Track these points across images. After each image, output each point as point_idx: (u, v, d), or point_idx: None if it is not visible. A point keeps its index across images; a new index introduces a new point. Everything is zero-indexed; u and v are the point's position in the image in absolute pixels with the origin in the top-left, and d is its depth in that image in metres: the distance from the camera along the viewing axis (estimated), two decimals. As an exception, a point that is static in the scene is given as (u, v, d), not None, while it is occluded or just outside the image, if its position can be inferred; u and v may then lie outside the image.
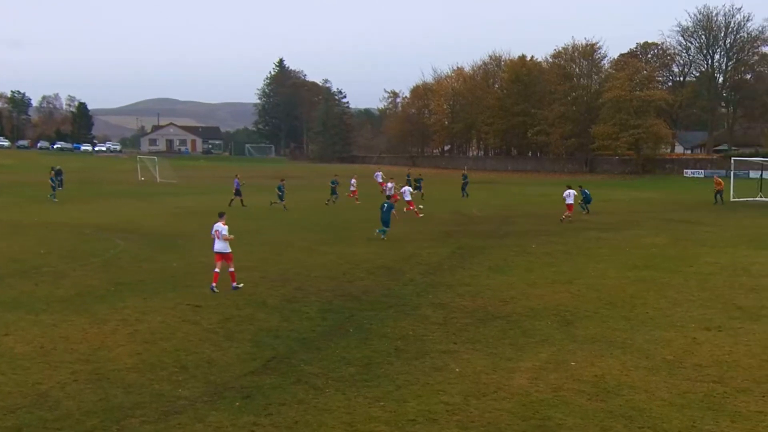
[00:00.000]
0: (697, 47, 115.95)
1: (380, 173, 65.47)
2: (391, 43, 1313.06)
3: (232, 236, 19.84)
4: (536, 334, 15.33)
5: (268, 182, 70.06)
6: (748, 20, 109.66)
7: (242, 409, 11.03)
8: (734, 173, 60.91)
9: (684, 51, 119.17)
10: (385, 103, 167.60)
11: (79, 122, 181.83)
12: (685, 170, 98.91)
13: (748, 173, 76.15)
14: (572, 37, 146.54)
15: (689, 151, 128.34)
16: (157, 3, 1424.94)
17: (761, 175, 64.68)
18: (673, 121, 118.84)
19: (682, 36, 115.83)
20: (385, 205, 31.03)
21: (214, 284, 19.46)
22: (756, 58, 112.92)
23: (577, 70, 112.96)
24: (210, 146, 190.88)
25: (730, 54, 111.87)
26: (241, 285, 19.68)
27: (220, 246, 19.71)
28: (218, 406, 11.17)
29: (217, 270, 19.58)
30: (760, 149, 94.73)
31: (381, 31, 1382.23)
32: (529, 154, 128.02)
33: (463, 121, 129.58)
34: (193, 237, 30.39)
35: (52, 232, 32.08)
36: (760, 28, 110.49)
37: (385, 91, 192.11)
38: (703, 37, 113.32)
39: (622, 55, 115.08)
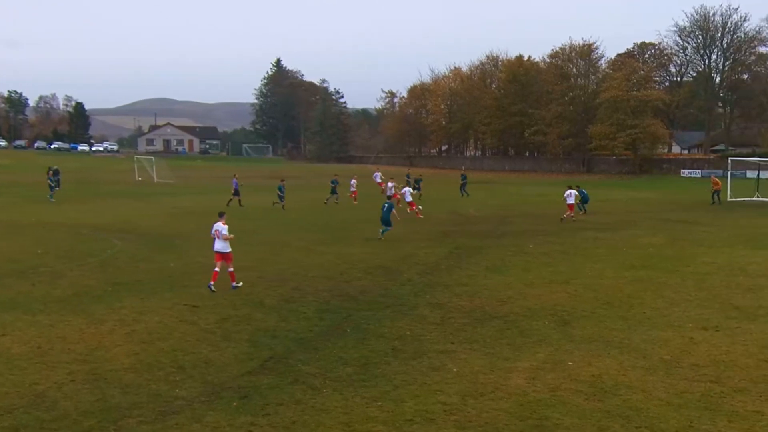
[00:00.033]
0: (694, 47, 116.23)
1: (379, 173, 65.38)
2: (388, 43, 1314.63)
3: (232, 236, 19.85)
4: (533, 334, 15.33)
5: (265, 182, 70.09)
6: (745, 20, 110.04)
7: (239, 409, 11.03)
8: (731, 173, 60.96)
9: (681, 51, 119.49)
10: (383, 103, 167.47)
11: (76, 122, 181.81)
12: (682, 170, 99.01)
13: (745, 173, 76.18)
14: (569, 37, 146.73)
15: (686, 151, 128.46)
16: (155, 3, 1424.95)
17: (758, 175, 64.79)
18: (670, 121, 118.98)
19: (679, 36, 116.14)
20: (386, 205, 31.05)
21: (212, 283, 19.44)
22: (753, 58, 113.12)
23: (575, 70, 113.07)
24: (207, 146, 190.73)
25: (727, 54, 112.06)
26: (240, 284, 19.68)
27: (220, 246, 19.70)
28: (215, 406, 11.16)
29: (217, 269, 19.58)
30: (757, 149, 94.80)
31: (378, 32, 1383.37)
32: (527, 154, 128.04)
33: (460, 121, 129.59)
34: (191, 237, 30.39)
35: (49, 232, 32.05)
36: (757, 29, 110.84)
37: (383, 91, 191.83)
38: (700, 37, 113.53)
39: (619, 55, 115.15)
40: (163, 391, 11.77)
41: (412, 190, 44.06)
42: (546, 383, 12.18)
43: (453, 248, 27.94)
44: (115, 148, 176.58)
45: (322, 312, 17.28)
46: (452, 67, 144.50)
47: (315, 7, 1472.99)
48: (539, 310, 17.43)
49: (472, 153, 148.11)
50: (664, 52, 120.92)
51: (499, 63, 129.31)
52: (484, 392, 11.76)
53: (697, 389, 11.90)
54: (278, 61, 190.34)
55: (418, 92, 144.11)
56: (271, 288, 19.95)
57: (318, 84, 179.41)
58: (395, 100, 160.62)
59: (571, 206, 38.03)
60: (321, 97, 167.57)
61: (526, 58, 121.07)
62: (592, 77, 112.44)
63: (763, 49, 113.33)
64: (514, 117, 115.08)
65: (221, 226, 19.65)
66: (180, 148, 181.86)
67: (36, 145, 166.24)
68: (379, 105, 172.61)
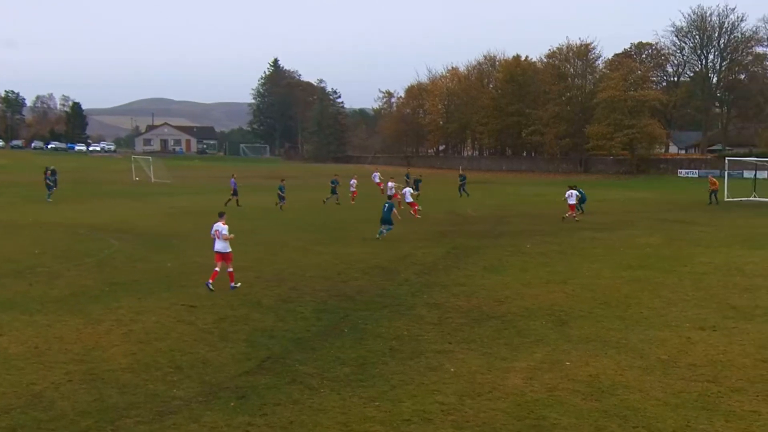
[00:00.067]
0: (691, 47, 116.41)
1: (378, 173, 65.41)
2: (385, 43, 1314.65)
3: (232, 235, 19.85)
4: (531, 333, 15.34)
5: (263, 182, 70.12)
6: (741, 20, 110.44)
7: (237, 409, 11.02)
8: (728, 173, 61.02)
9: (678, 51, 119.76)
10: (380, 103, 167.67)
11: (74, 122, 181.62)
12: (679, 170, 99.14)
13: (742, 173, 76.38)
14: (566, 37, 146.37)
15: (683, 151, 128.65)
16: (153, 3, 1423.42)
17: (755, 175, 64.96)
18: (668, 121, 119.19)
19: (677, 36, 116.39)
20: (386, 204, 31.11)
21: (210, 281, 19.45)
22: (750, 58, 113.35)
23: (572, 70, 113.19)
24: (204, 146, 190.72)
25: (724, 54, 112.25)
26: (238, 285, 19.66)
27: (220, 246, 19.70)
28: (213, 406, 11.15)
29: (217, 269, 19.59)
30: (754, 149, 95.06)
31: (376, 32, 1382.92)
32: (524, 154, 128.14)
33: (457, 121, 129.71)
34: (188, 237, 30.39)
35: (46, 232, 32.03)
36: (754, 29, 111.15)
37: (380, 91, 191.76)
38: (697, 37, 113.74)
39: (616, 55, 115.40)
40: (161, 391, 11.76)
41: (412, 191, 43.98)
42: (543, 383, 12.19)
43: (450, 248, 27.95)
44: (113, 148, 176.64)
45: (319, 312, 17.27)
46: (449, 67, 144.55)
47: (312, 7, 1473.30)
48: (536, 310, 17.43)
49: (470, 153, 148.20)
50: (661, 52, 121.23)
51: (497, 63, 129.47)
52: (482, 392, 11.76)
53: (694, 389, 11.91)
54: (275, 61, 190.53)
55: (416, 92, 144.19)
56: (268, 288, 19.94)
57: (315, 84, 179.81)
58: (393, 100, 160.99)
59: (572, 206, 38.00)
60: (318, 97, 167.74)
61: (523, 58, 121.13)
62: (590, 77, 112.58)
63: (759, 49, 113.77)
64: (512, 117, 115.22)
65: (221, 227, 19.64)
66: (177, 148, 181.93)
67: (33, 145, 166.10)
68: (376, 105, 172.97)
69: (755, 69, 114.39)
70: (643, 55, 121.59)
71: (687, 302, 18.37)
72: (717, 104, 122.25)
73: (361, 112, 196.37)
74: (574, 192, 38.26)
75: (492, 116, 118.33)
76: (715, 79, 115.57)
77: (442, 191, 61.36)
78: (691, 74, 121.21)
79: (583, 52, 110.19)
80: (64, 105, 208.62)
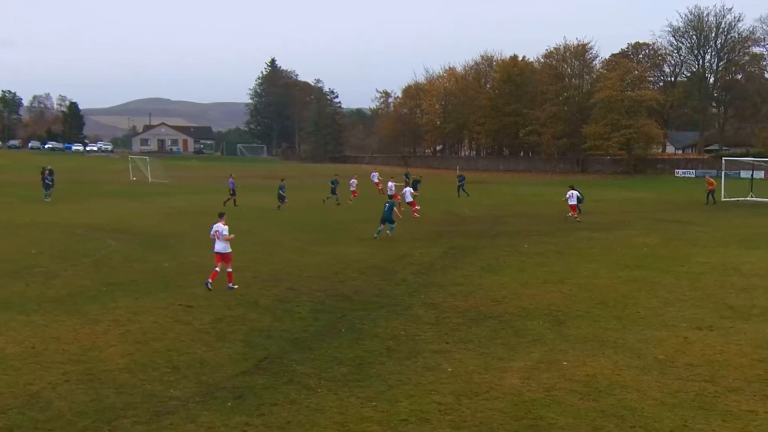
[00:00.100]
0: (688, 47, 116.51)
1: (376, 173, 65.46)
2: (383, 43, 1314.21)
3: (232, 236, 19.86)
4: (528, 333, 15.35)
5: (260, 182, 70.13)
6: (738, 21, 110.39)
7: (234, 409, 11.02)
8: (725, 173, 61.13)
9: (675, 51, 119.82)
10: (377, 103, 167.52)
11: (71, 122, 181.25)
12: (676, 170, 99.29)
13: (739, 173, 76.52)
14: (564, 37, 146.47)
15: (680, 151, 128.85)
16: (151, 2, 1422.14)
17: (752, 174, 65.11)
18: (665, 121, 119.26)
19: (673, 36, 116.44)
20: (387, 204, 31.21)
21: (210, 281, 19.47)
22: (747, 58, 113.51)
23: (569, 70, 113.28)
24: (202, 146, 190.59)
25: (721, 54, 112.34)
26: (236, 286, 19.65)
27: (220, 246, 19.70)
28: (210, 406, 11.15)
29: (217, 269, 19.62)
30: (751, 149, 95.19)
31: (373, 32, 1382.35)
32: (521, 154, 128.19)
33: (455, 121, 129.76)
34: (185, 237, 30.38)
35: (43, 232, 31.99)
36: (751, 29, 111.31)
37: (377, 91, 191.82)
38: (694, 37, 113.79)
39: (613, 55, 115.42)
40: (158, 392, 11.76)
41: (413, 191, 43.94)
42: (541, 383, 12.20)
43: (448, 248, 27.96)
44: (110, 148, 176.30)
45: (316, 312, 17.27)
46: (447, 67, 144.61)
47: (310, 7, 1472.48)
48: (534, 310, 17.45)
49: (467, 153, 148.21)
50: (658, 52, 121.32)
51: (494, 63, 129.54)
52: (479, 392, 11.77)
53: (691, 389, 11.93)
54: (273, 61, 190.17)
55: (413, 92, 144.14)
56: (265, 288, 19.94)
57: (312, 84, 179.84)
58: (390, 100, 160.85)
59: (573, 207, 37.88)
60: (315, 97, 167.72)
61: (520, 58, 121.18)
62: (587, 77, 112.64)
63: (756, 50, 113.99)
64: (509, 117, 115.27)
65: (221, 227, 19.64)
66: (174, 148, 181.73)
67: (30, 145, 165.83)
68: (373, 105, 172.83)
69: (752, 69, 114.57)
70: (640, 55, 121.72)
71: (684, 302, 18.40)
72: (714, 104, 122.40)
73: (359, 112, 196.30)
74: (575, 193, 38.14)
75: (489, 116, 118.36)
76: (712, 79, 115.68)
77: (440, 191, 61.37)
78: (688, 74, 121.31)
79: (580, 52, 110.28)
80: (61, 105, 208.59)
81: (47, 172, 51.12)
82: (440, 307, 17.81)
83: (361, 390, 11.86)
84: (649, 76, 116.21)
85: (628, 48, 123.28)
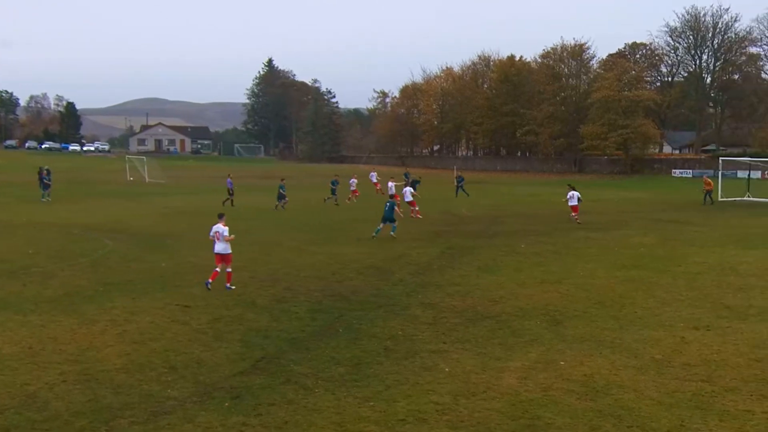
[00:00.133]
0: (685, 47, 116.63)
1: (375, 173, 65.56)
2: (380, 43, 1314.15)
3: (233, 236, 19.86)
4: (525, 333, 15.36)
5: (257, 182, 70.14)
6: (735, 21, 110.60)
7: (231, 409, 11.02)
8: (722, 173, 61.19)
9: (672, 51, 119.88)
10: (375, 103, 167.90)
11: (68, 122, 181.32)
12: (673, 170, 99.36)
13: (736, 173, 76.55)
14: (561, 37, 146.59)
15: (677, 151, 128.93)
16: (148, 3, 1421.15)
17: (749, 174, 65.09)
18: (662, 121, 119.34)
19: (670, 36, 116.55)
20: (388, 203, 31.33)
21: (210, 281, 19.49)
22: (743, 58, 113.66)
23: (566, 70, 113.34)
24: (199, 146, 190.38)
25: (718, 54, 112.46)
26: (233, 287, 19.63)
27: (220, 247, 19.70)
28: (207, 406, 11.14)
29: (217, 269, 19.63)
30: (748, 149, 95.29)
31: (371, 32, 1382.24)
32: (518, 154, 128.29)
33: (452, 121, 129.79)
34: (182, 237, 30.38)
35: (40, 232, 31.96)
36: (748, 29, 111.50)
37: (375, 91, 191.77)
38: (691, 37, 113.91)
39: (610, 55, 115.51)
40: (155, 392, 11.75)
41: (413, 191, 43.86)
42: (538, 383, 12.20)
43: (445, 248, 27.96)
44: (107, 148, 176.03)
45: (314, 312, 17.27)
46: (444, 67, 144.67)
47: (307, 7, 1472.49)
48: (531, 310, 17.45)
49: (464, 153, 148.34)
50: (655, 52, 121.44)
51: (491, 63, 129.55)
52: (476, 392, 11.77)
53: (688, 388, 11.94)
54: (270, 61, 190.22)
55: (410, 92, 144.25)
56: (263, 288, 19.93)
57: (310, 84, 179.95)
58: (387, 100, 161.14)
59: (575, 208, 37.69)
60: (313, 97, 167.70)
61: (517, 59, 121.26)
62: (584, 77, 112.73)
63: (753, 50, 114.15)
64: (506, 117, 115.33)
65: (222, 228, 19.64)
66: (171, 148, 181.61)
67: (27, 145, 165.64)
68: (370, 105, 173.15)
69: (749, 69, 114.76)
70: (637, 56, 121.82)
71: (681, 302, 18.41)
72: (711, 104, 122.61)
73: (356, 112, 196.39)
74: (576, 193, 37.96)
75: (486, 116, 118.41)
76: (708, 80, 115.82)
77: (437, 191, 61.38)
78: (685, 74, 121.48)
79: (578, 52, 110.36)
80: (58, 105, 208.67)
81: (45, 172, 51.09)
82: (438, 307, 17.81)
83: (359, 390, 11.86)
84: (646, 76, 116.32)
85: (625, 48, 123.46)
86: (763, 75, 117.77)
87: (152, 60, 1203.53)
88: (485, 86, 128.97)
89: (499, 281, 21.17)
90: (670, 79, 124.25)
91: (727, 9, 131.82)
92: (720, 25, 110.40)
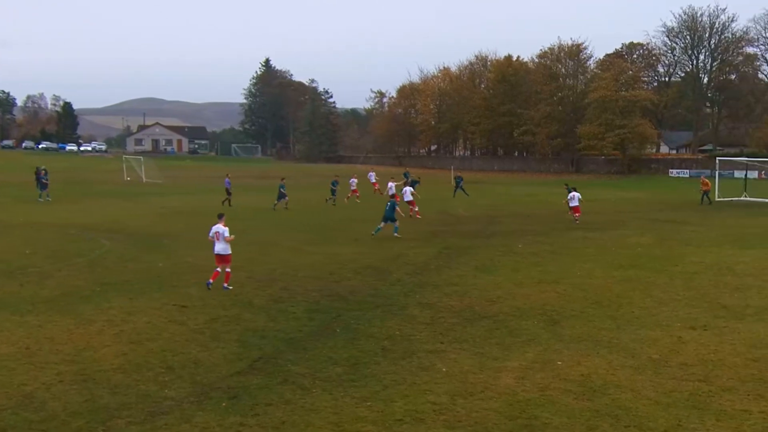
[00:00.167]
0: (682, 48, 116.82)
1: (373, 173, 65.65)
2: (377, 43, 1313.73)
3: (233, 236, 19.88)
4: (523, 333, 15.36)
5: (254, 182, 70.10)
6: (732, 21, 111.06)
7: (229, 409, 11.01)
8: (719, 173, 61.24)
9: (669, 51, 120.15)
10: (372, 103, 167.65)
11: (65, 122, 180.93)
12: (670, 170, 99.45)
13: (733, 173, 76.65)
14: (558, 37, 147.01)
15: (674, 151, 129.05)
16: (145, 2, 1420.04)
17: (746, 174, 65.29)
18: (659, 121, 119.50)
19: (667, 36, 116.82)
20: (389, 203, 31.50)
21: (211, 281, 19.53)
22: (740, 58, 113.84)
23: (563, 70, 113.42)
24: (196, 146, 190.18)
25: (715, 54, 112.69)
26: (231, 287, 19.62)
27: (220, 247, 19.73)
28: (205, 406, 11.14)
29: (218, 269, 19.66)
30: (745, 149, 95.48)
31: (368, 32, 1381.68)
32: (516, 154, 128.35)
33: (449, 121, 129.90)
34: (179, 237, 30.35)
35: (37, 232, 31.92)
36: (744, 29, 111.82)
37: (372, 91, 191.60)
38: (688, 37, 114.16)
39: (607, 55, 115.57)
40: (152, 392, 11.74)
41: (413, 190, 43.80)
42: (535, 383, 12.21)
43: (442, 248, 27.96)
44: (104, 148, 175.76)
45: (311, 312, 17.26)
46: (441, 67, 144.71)
47: (305, 7, 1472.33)
48: (528, 310, 17.46)
49: (461, 153, 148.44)
50: (653, 52, 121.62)
51: (488, 63, 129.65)
52: (474, 392, 11.77)
53: (685, 388, 11.95)
54: (267, 61, 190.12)
55: (407, 92, 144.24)
56: (260, 288, 19.92)
57: (307, 84, 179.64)
58: (384, 100, 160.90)
59: (576, 208, 37.62)
60: (310, 97, 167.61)
61: (515, 58, 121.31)
62: (581, 77, 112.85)
63: (750, 50, 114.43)
64: (503, 117, 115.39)
65: (222, 228, 19.66)
66: (169, 148, 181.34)
67: (24, 145, 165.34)
68: (368, 105, 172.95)
69: (746, 69, 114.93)
70: (635, 56, 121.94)
71: (678, 302, 18.43)
72: (708, 104, 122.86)
73: (353, 112, 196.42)
74: (576, 194, 37.93)
75: (484, 116, 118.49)
76: (705, 80, 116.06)
77: (434, 191, 61.36)
78: (682, 74, 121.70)
79: (575, 52, 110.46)
80: (54, 105, 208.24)
81: (43, 171, 51.05)
82: (435, 307, 17.81)
83: (356, 390, 11.85)
84: (643, 76, 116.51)
85: (622, 48, 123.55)
86: (760, 75, 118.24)
87: (149, 60, 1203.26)
88: (482, 86, 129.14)
89: (496, 281, 21.18)
90: (667, 79, 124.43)
91: (724, 9, 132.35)
92: (717, 25, 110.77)
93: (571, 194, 38.11)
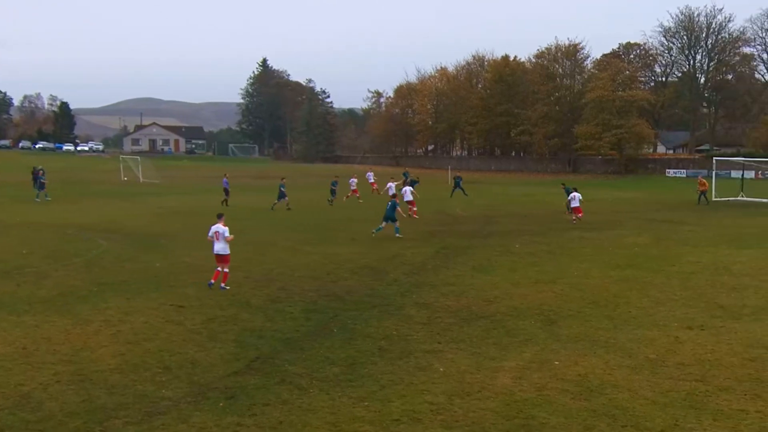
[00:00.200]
0: (678, 48, 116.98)
1: (371, 173, 65.76)
2: (374, 43, 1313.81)
3: (232, 236, 19.91)
4: (520, 333, 15.37)
5: (252, 182, 70.06)
6: (729, 21, 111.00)
7: (226, 409, 11.01)
8: (716, 173, 61.34)
9: (666, 51, 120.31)
10: (369, 103, 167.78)
11: (61, 122, 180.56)
12: (667, 170, 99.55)
13: (730, 173, 76.80)
14: (555, 37, 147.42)
15: (671, 151, 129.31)
16: (144, 2, 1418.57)
17: (743, 174, 65.37)
18: (656, 121, 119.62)
19: (664, 36, 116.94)
20: (390, 203, 31.56)
21: (212, 281, 19.58)
22: (737, 58, 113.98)
23: (560, 70, 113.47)
24: (193, 146, 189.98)
25: (712, 54, 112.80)
26: (228, 287, 19.62)
27: (219, 247, 19.77)
28: (202, 406, 11.13)
29: (219, 269, 19.67)
30: (742, 149, 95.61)
31: (365, 32, 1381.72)
32: (513, 154, 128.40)
33: (446, 121, 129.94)
34: (176, 237, 30.33)
35: (34, 232, 31.88)
36: (741, 29, 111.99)
37: (369, 91, 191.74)
38: (684, 37, 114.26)
39: (604, 55, 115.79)
40: (150, 392, 11.73)
41: (412, 189, 43.74)
42: (532, 383, 12.22)
43: (439, 248, 27.97)
44: (101, 147, 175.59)
45: (308, 312, 17.26)
46: (438, 67, 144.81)
47: (302, 6, 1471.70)
48: (525, 310, 17.47)
49: (459, 153, 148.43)
50: (649, 52, 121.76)
51: (485, 63, 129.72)
52: (471, 392, 11.78)
53: (682, 388, 11.96)
54: (264, 61, 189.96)
55: (405, 92, 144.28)
56: (257, 288, 19.92)
57: (304, 84, 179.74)
58: (381, 100, 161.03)
59: (578, 209, 37.64)
60: (307, 97, 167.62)
61: (512, 58, 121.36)
62: (578, 77, 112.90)
63: (747, 50, 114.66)
64: (500, 117, 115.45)
65: (222, 228, 19.71)
66: (166, 148, 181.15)
67: (21, 144, 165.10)
68: (365, 105, 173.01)
69: (742, 69, 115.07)
70: (631, 56, 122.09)
71: (675, 301, 18.45)
72: (705, 104, 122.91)
73: (350, 112, 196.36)
74: (577, 195, 37.96)
75: (481, 116, 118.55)
76: (702, 80, 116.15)
77: (432, 191, 61.34)
78: (679, 74, 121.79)
79: (572, 52, 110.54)
80: (51, 105, 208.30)
81: (41, 171, 51.01)
82: (432, 307, 17.82)
83: (353, 390, 11.86)
84: (640, 77, 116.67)
85: (619, 48, 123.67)
86: (757, 75, 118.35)
87: (147, 60, 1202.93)
88: (480, 86, 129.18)
89: (493, 281, 21.19)
90: (664, 79, 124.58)
91: (721, 9, 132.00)
92: (714, 25, 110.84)
93: (572, 194, 38.14)
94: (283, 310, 17.36)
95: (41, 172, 50.89)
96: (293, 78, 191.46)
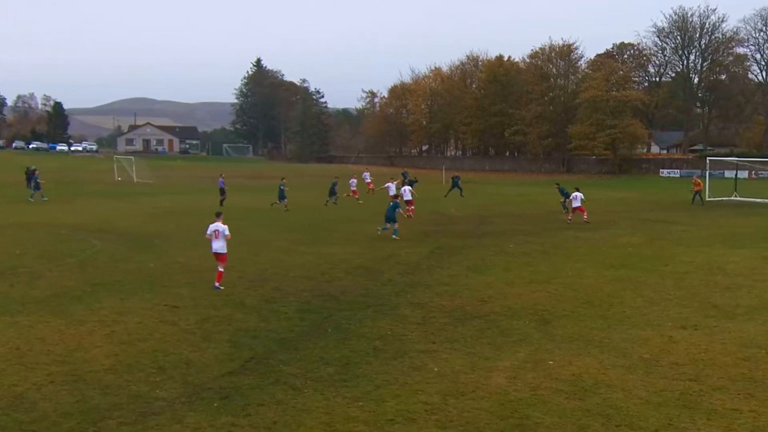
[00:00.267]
0: (672, 48, 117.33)
1: (368, 173, 65.80)
2: (369, 42, 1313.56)
3: (229, 235, 19.91)
4: (514, 333, 15.38)
5: (246, 182, 70.00)
6: (722, 21, 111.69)
7: (220, 409, 10.99)
8: (709, 173, 61.46)
9: (660, 51, 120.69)
10: (363, 103, 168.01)
11: (55, 122, 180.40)
12: (661, 170, 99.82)
13: (723, 173, 76.93)
14: (549, 37, 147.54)
15: (665, 151, 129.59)
16: (138, 2, 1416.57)
17: (736, 174, 65.50)
18: (649, 121, 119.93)
19: (658, 37, 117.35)
20: (391, 203, 31.60)
21: (217, 283, 19.50)
22: (730, 59, 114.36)
23: (554, 70, 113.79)
24: (187, 146, 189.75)
25: (705, 55, 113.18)
26: (222, 287, 19.59)
27: (217, 246, 19.76)
28: (196, 406, 11.12)
29: (220, 269, 19.63)
30: (735, 149, 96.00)
31: (359, 32, 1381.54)
32: (507, 154, 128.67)
33: (440, 121, 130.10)
34: (170, 237, 30.25)
35: (27, 232, 31.80)
36: (735, 29, 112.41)
37: (363, 91, 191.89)
38: (678, 37, 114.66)
39: (598, 55, 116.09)
40: (144, 392, 11.71)
41: (411, 189, 43.67)
42: (527, 382, 12.22)
43: (434, 248, 27.97)
44: (95, 148, 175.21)
45: (303, 312, 17.25)
46: (433, 68, 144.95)
47: (296, 6, 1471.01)
48: (520, 310, 17.48)
49: (453, 153, 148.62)
50: (643, 52, 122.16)
51: (480, 63, 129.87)
52: (465, 392, 11.78)
53: (676, 388, 11.98)
54: (258, 61, 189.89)
55: (399, 92, 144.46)
56: (251, 288, 19.90)
57: (298, 84, 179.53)
58: (376, 100, 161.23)
59: (581, 209, 37.68)
60: (301, 97, 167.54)
61: (506, 59, 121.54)
62: (572, 77, 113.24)
63: (740, 50, 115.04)
64: (495, 117, 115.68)
65: (221, 227, 19.70)
66: (160, 148, 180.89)
67: (14, 144, 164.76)
68: (359, 105, 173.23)
69: (736, 69, 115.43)
70: (625, 56, 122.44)
71: (669, 301, 18.48)
72: (698, 104, 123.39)
73: (345, 112, 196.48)
74: (579, 194, 37.99)
75: (475, 116, 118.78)
76: (696, 80, 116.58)
77: (426, 191, 61.32)
78: (673, 74, 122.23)
79: (566, 52, 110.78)
80: (45, 105, 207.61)
81: (37, 172, 50.88)
82: (426, 307, 17.82)
83: (348, 390, 11.85)
84: (634, 77, 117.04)
85: (613, 48, 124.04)
86: (750, 75, 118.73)
87: (141, 60, 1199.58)
88: (474, 86, 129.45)
89: (487, 281, 21.20)
90: (657, 79, 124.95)
91: (715, 9, 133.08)
92: (707, 25, 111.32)
93: (574, 194, 38.22)
94: (277, 310, 17.35)
95: (36, 172, 50.75)
96: (287, 78, 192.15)
